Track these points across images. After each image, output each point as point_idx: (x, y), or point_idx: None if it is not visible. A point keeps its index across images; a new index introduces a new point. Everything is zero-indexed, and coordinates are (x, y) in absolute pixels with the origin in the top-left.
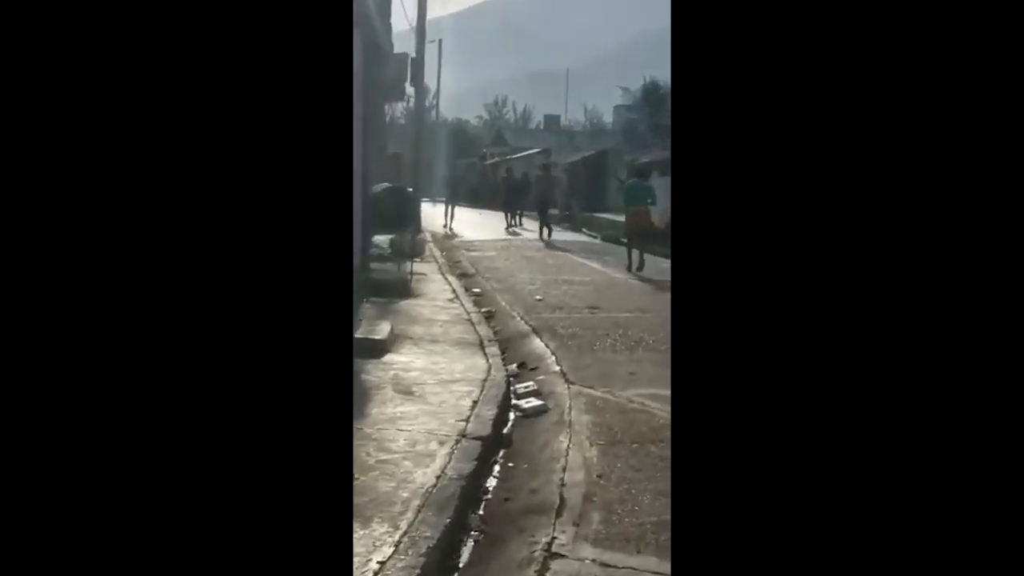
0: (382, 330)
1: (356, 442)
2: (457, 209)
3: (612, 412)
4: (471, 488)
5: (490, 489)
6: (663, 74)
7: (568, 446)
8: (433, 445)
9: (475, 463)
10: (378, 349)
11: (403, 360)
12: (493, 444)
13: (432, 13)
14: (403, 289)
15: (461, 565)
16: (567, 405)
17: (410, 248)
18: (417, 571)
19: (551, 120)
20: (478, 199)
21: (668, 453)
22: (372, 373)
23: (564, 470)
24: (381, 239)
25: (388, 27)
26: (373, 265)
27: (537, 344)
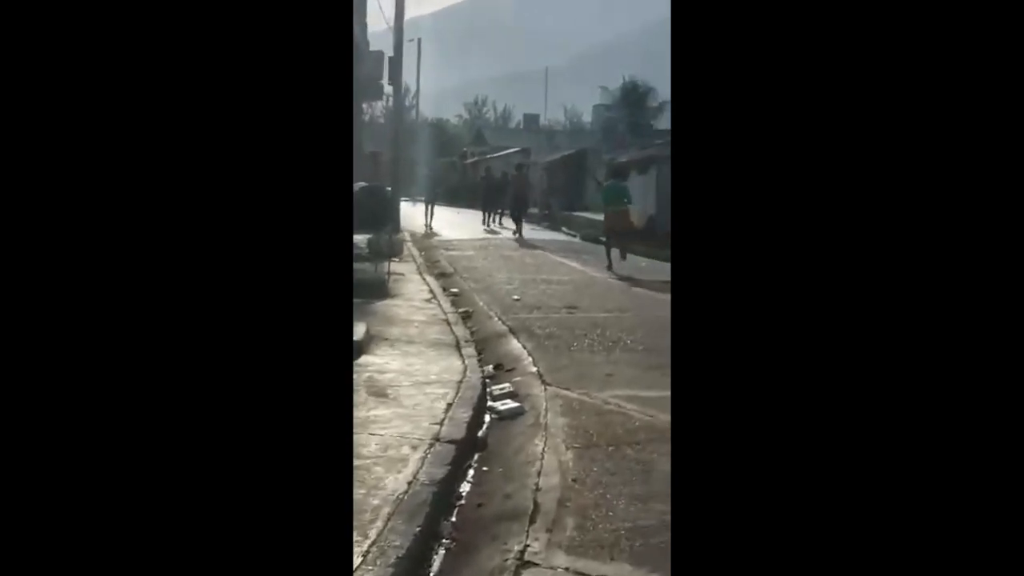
0: (357, 331)
1: None
2: (437, 208)
3: (588, 414)
4: (443, 494)
5: (463, 495)
6: (642, 73)
7: (543, 449)
8: (406, 450)
9: (448, 468)
10: (353, 350)
11: (378, 362)
12: (467, 448)
13: (410, 12)
14: (380, 289)
15: (431, 575)
16: (543, 407)
17: (388, 248)
18: None
19: (530, 119)
20: (458, 198)
21: (644, 456)
22: None
23: (539, 474)
24: (359, 239)
25: (363, 25)
26: None
27: (514, 345)
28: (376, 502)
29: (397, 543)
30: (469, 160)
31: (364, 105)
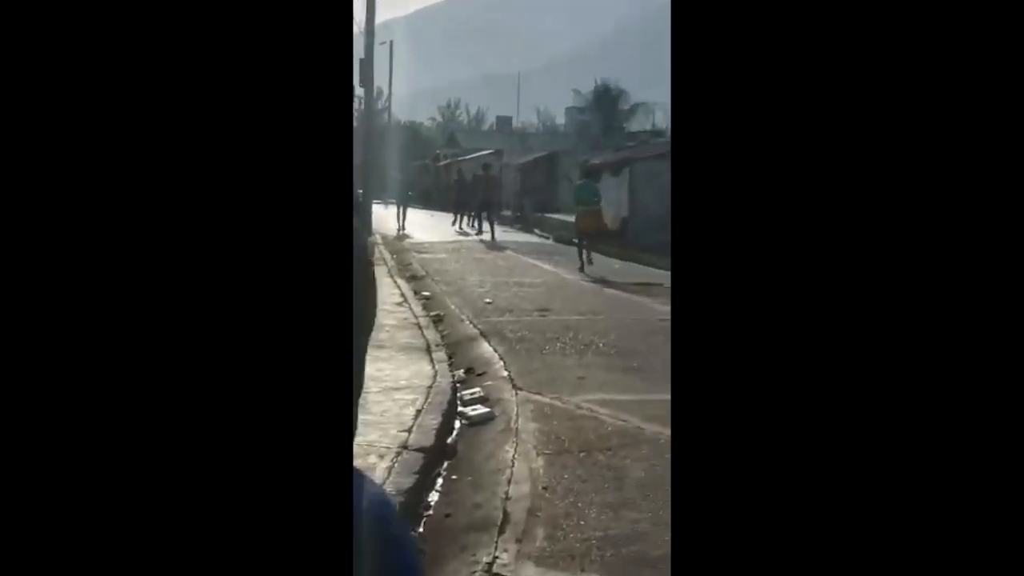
0: None
1: None
2: (409, 211)
3: (560, 419)
4: (411, 504)
5: (431, 504)
6: (614, 76)
7: (514, 456)
8: (372, 458)
9: (416, 477)
10: None
11: None
12: (436, 456)
13: (382, 15)
14: None
15: None
16: (514, 412)
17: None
18: None
19: (503, 122)
20: (431, 201)
21: (615, 462)
22: None
23: (509, 482)
24: None
25: None
26: None
27: (485, 348)
28: None
29: None
30: (442, 163)
31: None
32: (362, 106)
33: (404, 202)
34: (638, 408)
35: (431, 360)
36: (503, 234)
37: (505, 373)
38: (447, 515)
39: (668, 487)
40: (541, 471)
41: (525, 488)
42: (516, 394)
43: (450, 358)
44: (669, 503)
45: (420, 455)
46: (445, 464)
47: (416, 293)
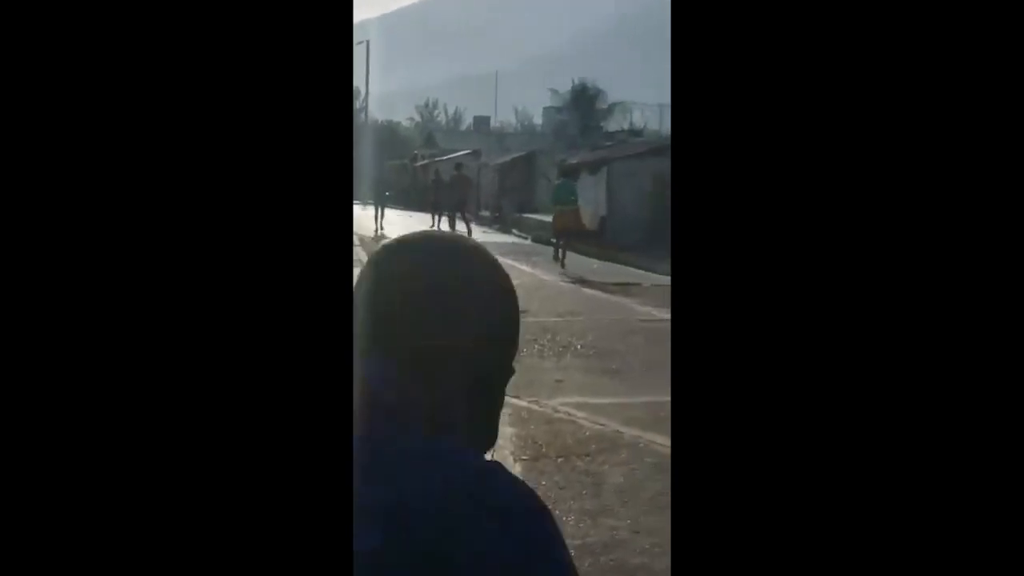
0: None
1: None
2: (387, 212)
3: (537, 423)
4: None
5: None
6: (591, 75)
7: None
8: None
9: None
10: None
11: None
12: None
13: (358, 15)
14: None
15: None
16: None
17: None
18: None
19: (481, 122)
20: (409, 201)
21: (594, 468)
22: None
23: None
24: None
25: None
26: None
27: None
28: None
29: None
30: (420, 163)
31: None
32: None
33: (382, 203)
34: (617, 411)
35: None
36: (481, 234)
37: None
38: None
39: (647, 493)
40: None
41: None
42: None
43: None
44: (647, 510)
45: None
46: None
47: None
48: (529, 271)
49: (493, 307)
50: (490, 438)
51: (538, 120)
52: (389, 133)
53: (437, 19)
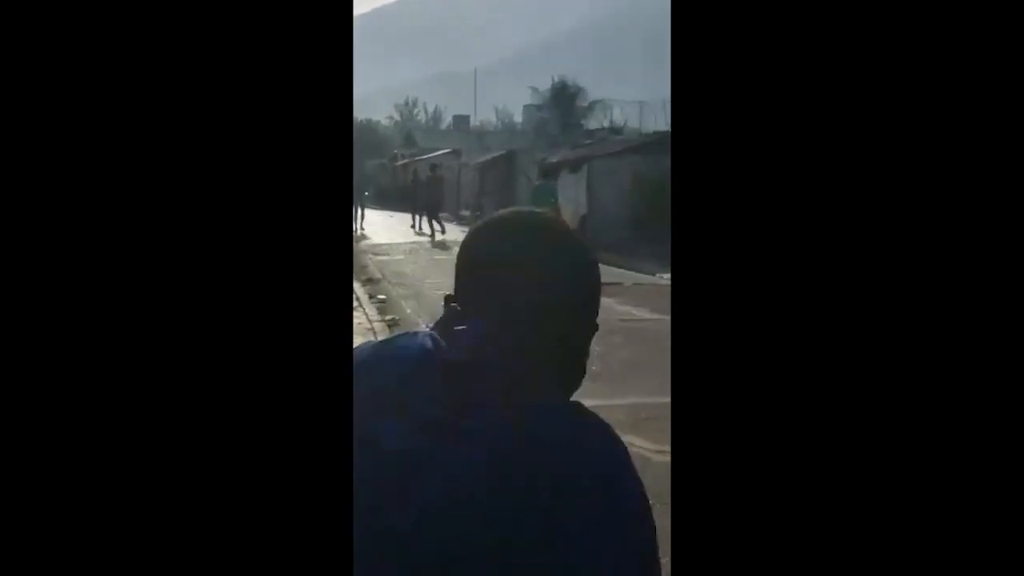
0: None
1: None
2: (367, 211)
3: None
4: None
5: None
6: (571, 73)
7: None
8: None
9: None
10: None
11: None
12: None
13: None
14: None
15: None
16: None
17: None
18: None
19: (460, 120)
20: (389, 201)
21: None
22: None
23: None
24: None
25: None
26: None
27: None
28: None
29: None
30: (399, 162)
31: None
32: None
33: (362, 202)
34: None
35: None
36: (461, 235)
37: None
38: None
39: None
40: None
41: None
42: None
43: None
44: None
45: None
46: None
47: (371, 297)
48: None
49: (577, 272)
50: (576, 382)
51: (518, 118)
52: (368, 132)
53: (415, 17)
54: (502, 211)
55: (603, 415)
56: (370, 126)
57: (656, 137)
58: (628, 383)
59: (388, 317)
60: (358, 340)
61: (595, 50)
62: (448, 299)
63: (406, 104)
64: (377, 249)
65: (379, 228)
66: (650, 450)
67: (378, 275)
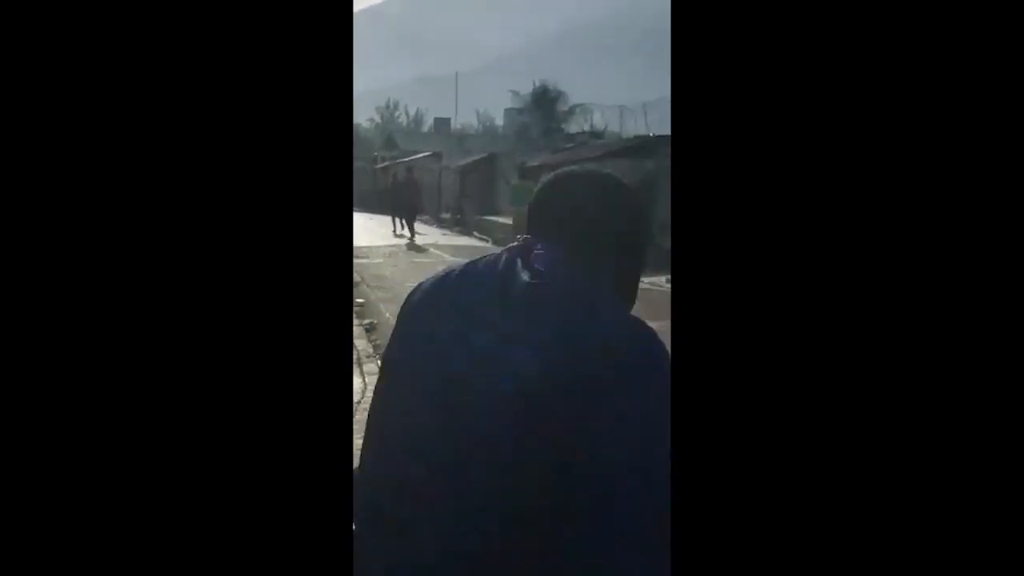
0: None
1: None
2: None
3: None
4: None
5: None
6: (552, 77)
7: None
8: None
9: None
10: None
11: None
12: None
13: None
14: None
15: None
16: None
17: None
18: None
19: (441, 123)
20: (369, 204)
21: None
22: None
23: None
24: None
25: None
26: None
27: None
28: None
29: None
30: (380, 165)
31: None
32: None
33: None
34: None
35: (361, 373)
36: (442, 237)
37: None
38: None
39: None
40: None
41: None
42: None
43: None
44: None
45: None
46: None
47: None
48: None
49: (629, 213)
50: (631, 300)
51: (499, 122)
52: None
53: (396, 20)
54: (568, 167)
55: None
56: None
57: (636, 141)
58: None
59: (366, 321)
60: None
61: (576, 55)
62: (521, 237)
63: (387, 106)
64: (356, 252)
65: (359, 231)
66: None
67: (357, 278)
